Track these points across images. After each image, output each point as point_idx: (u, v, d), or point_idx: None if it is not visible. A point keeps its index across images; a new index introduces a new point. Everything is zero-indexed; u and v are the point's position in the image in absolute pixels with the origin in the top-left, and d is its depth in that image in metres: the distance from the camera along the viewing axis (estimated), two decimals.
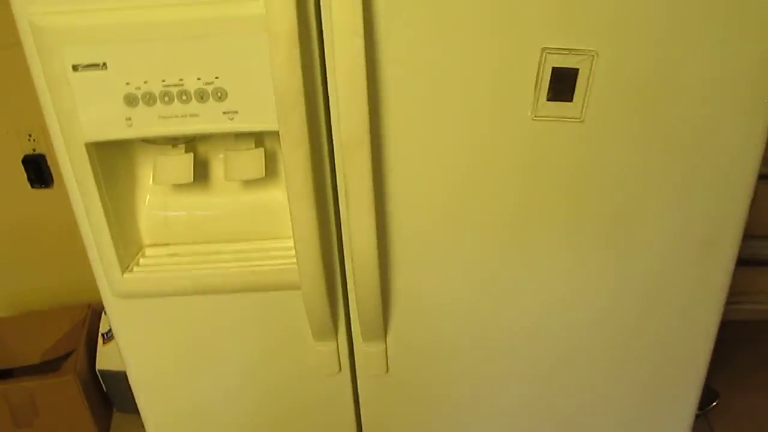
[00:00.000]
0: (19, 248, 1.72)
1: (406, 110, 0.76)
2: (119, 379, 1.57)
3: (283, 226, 0.87)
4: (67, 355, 1.59)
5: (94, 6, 0.71)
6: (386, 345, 0.93)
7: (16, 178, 1.63)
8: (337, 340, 0.92)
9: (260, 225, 0.89)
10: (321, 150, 0.78)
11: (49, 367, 1.62)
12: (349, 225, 0.78)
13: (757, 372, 1.68)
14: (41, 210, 1.67)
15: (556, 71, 0.74)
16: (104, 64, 0.73)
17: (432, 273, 0.87)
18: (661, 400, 1.00)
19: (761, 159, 0.81)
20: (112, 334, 1.42)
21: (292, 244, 0.84)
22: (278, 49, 0.69)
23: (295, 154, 0.74)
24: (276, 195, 0.88)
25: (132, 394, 0.98)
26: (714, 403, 1.58)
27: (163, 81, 0.74)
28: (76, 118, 0.75)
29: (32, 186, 1.64)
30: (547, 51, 0.73)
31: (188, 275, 0.86)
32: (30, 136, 1.58)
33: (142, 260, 0.87)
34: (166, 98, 0.74)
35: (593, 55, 0.74)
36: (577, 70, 0.74)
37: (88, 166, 0.78)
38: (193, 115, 0.75)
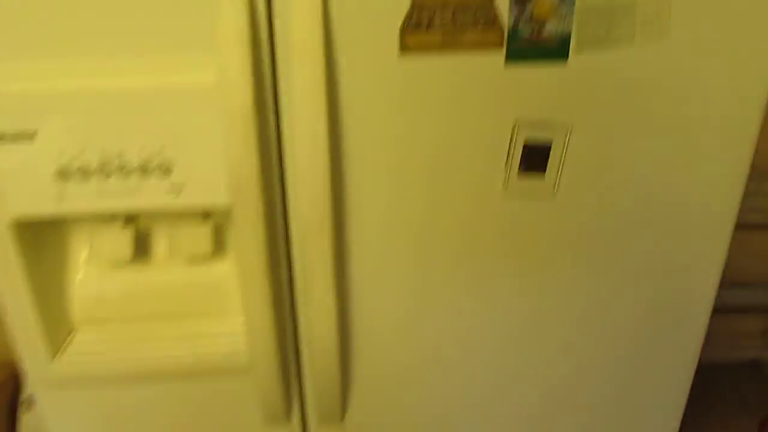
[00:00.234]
0: None
1: (371, 188, 0.70)
2: None
3: (230, 302, 0.80)
4: None
5: (22, 69, 0.63)
6: (344, 427, 0.86)
7: None
8: (290, 424, 0.85)
9: (205, 302, 0.81)
10: (276, 228, 0.72)
11: None
12: (307, 310, 0.71)
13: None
14: None
15: (527, 146, 0.71)
16: (34, 133, 0.65)
17: (395, 351, 0.81)
18: None
19: (730, 235, 0.79)
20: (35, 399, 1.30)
21: (240, 323, 0.78)
22: (233, 125, 0.62)
23: (248, 234, 0.68)
24: (223, 269, 0.81)
25: None
26: None
27: (101, 153, 0.66)
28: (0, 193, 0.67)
29: None
30: (519, 125, 0.70)
31: (125, 359, 0.78)
32: None
33: (72, 344, 0.78)
34: (104, 172, 0.67)
35: (567, 129, 0.70)
36: (550, 144, 0.71)
37: (11, 246, 0.69)
38: (134, 190, 0.68)
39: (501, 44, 0.66)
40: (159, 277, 0.80)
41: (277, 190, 0.70)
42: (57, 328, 0.77)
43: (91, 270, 0.79)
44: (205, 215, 0.75)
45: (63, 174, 0.66)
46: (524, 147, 0.70)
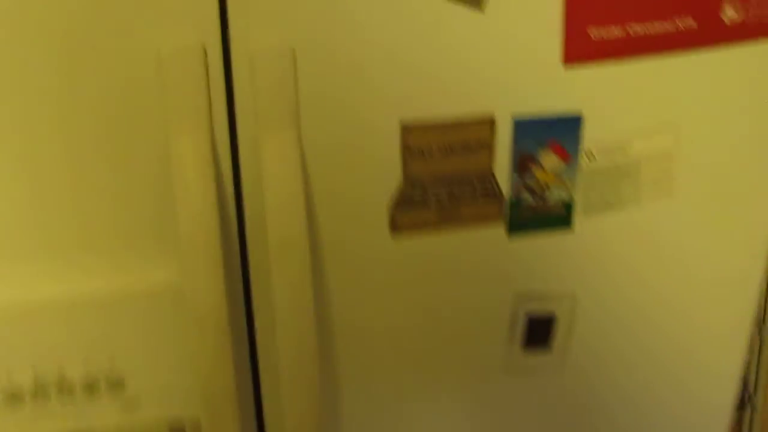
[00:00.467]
0: None
1: (364, 378, 0.61)
2: None
3: None
4: None
5: None
6: None
7: None
8: None
9: None
10: None
11: None
12: None
13: None
14: None
15: (530, 319, 0.63)
16: None
17: None
18: None
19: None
20: None
21: None
22: (204, 335, 0.52)
23: None
24: None
25: None
26: None
27: (35, 372, 0.54)
28: None
29: None
30: (521, 298, 0.62)
31: None
32: None
33: None
34: (40, 395, 0.55)
35: (572, 299, 0.63)
36: (555, 316, 0.64)
37: None
38: (79, 411, 0.56)
39: (501, 216, 0.59)
40: None
41: (251, 399, 0.60)
42: None
43: None
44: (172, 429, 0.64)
45: None
46: (527, 320, 0.63)
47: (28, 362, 0.54)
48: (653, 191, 0.62)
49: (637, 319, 0.66)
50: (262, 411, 0.61)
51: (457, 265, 0.60)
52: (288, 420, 0.56)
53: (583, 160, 0.59)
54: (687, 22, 0.56)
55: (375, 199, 0.56)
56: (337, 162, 0.54)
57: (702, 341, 0.69)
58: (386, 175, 0.55)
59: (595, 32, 0.54)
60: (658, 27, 0.55)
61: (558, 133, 0.57)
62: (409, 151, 0.55)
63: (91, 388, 0.55)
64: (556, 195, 0.59)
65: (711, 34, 0.57)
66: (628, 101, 0.58)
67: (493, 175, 0.57)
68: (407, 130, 0.54)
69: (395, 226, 0.57)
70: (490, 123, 0.56)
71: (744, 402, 0.99)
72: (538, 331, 0.64)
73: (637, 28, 0.55)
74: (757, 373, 0.97)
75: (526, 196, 0.59)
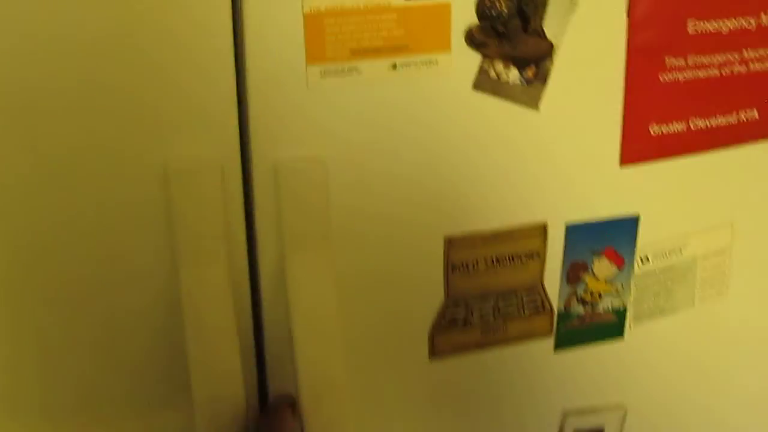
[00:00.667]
0: None
1: None
2: None
3: None
4: None
5: None
6: None
7: None
8: None
9: None
10: None
11: None
12: None
13: None
14: None
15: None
16: None
17: None
18: None
19: None
20: None
21: None
22: None
23: None
24: None
25: None
26: None
27: None
28: None
29: None
30: (568, 414, 0.56)
31: None
32: None
33: None
34: None
35: (622, 412, 0.57)
36: (603, 430, 0.57)
37: None
38: None
39: (550, 331, 0.52)
40: None
41: None
42: None
43: None
44: None
45: None
46: None
47: None
48: (707, 291, 0.56)
49: (686, 428, 0.60)
50: None
51: (499, 384, 0.53)
52: None
53: (637, 264, 0.53)
54: (750, 114, 0.51)
55: (414, 323, 0.48)
56: (372, 285, 0.47)
57: None
58: (426, 295, 0.48)
59: (656, 128, 0.49)
60: (720, 120, 0.50)
61: (612, 236, 0.51)
62: (453, 266, 0.48)
63: None
64: (607, 303, 0.53)
65: None
66: (684, 198, 0.53)
67: (542, 287, 0.51)
68: (451, 244, 0.47)
69: (435, 351, 0.50)
70: (542, 231, 0.49)
71: None
72: None
73: (699, 123, 0.50)
74: None
75: (577, 308, 0.52)
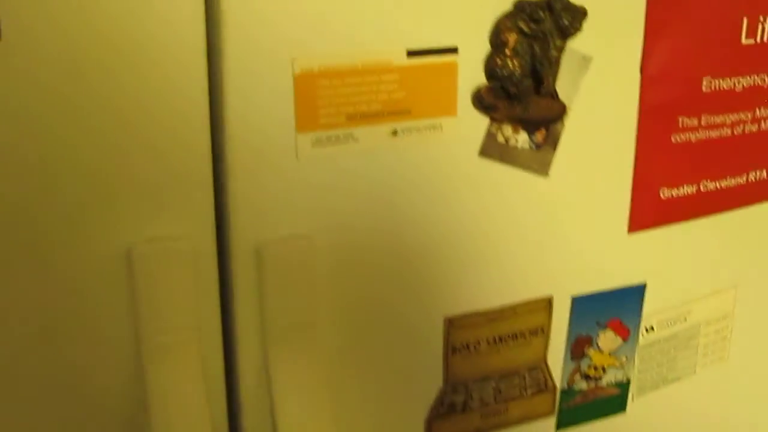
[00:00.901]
0: None
1: None
2: None
3: None
4: None
5: None
6: None
7: None
8: None
9: None
10: None
11: None
12: None
13: None
14: None
15: None
16: None
17: None
18: None
19: None
20: None
21: None
22: None
23: None
24: None
25: None
26: None
27: None
28: None
29: None
30: None
31: None
32: None
33: None
34: None
35: None
36: None
37: None
38: None
39: (552, 410, 0.48)
40: None
41: None
42: None
43: None
44: None
45: None
46: None
47: None
48: (708, 357, 0.53)
49: None
50: None
51: None
52: None
53: (642, 334, 0.49)
54: (759, 174, 0.48)
55: (411, 411, 0.43)
56: (365, 374, 0.41)
57: None
58: (424, 381, 0.43)
59: (666, 192, 0.45)
60: (730, 181, 0.47)
61: (619, 307, 0.47)
62: (454, 348, 0.43)
63: None
64: (611, 377, 0.49)
65: None
66: (690, 262, 0.49)
67: (546, 365, 0.46)
68: (452, 325, 0.42)
69: None
70: (547, 305, 0.45)
71: None
72: None
73: (710, 185, 0.46)
74: None
75: (580, 384, 0.48)
